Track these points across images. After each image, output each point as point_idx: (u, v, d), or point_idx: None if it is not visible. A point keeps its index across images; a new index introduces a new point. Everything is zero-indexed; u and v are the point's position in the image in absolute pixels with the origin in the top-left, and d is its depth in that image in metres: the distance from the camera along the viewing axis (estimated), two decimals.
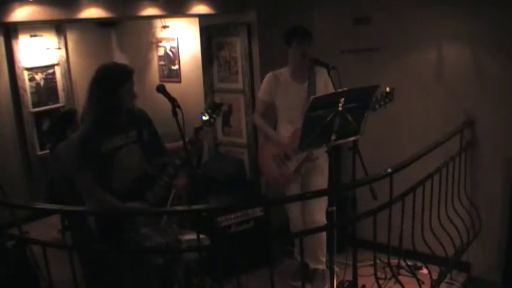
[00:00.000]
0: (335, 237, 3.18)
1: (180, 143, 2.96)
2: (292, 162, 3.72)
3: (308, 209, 3.80)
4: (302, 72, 3.72)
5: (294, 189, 3.81)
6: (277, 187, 3.92)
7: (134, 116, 3.04)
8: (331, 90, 3.32)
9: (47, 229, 4.97)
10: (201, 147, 3.58)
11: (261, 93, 3.86)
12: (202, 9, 4.30)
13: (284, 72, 3.80)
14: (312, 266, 3.93)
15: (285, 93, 3.76)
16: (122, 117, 2.96)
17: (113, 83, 2.87)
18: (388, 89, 3.26)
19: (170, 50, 5.82)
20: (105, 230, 2.92)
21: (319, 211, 3.72)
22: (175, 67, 5.80)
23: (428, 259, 3.55)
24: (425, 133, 4.04)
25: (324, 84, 3.64)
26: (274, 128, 3.89)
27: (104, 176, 2.90)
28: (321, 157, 3.71)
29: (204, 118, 2.99)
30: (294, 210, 3.89)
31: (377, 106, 3.23)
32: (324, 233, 3.81)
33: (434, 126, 4.04)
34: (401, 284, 3.17)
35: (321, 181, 3.79)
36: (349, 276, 3.37)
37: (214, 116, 3.00)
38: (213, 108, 3.02)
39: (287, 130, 3.75)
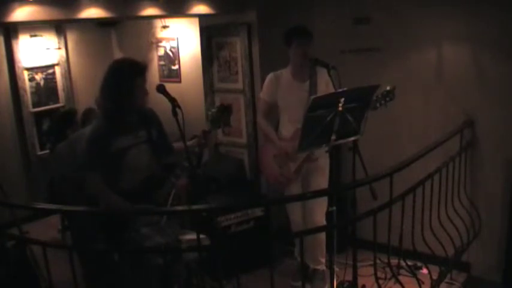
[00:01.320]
0: (335, 238, 3.18)
1: (181, 144, 2.97)
2: (292, 162, 3.72)
3: (308, 210, 3.80)
4: (303, 72, 3.73)
5: (295, 189, 3.81)
6: (278, 187, 3.92)
7: (144, 115, 3.04)
8: (332, 90, 3.32)
9: (47, 229, 4.97)
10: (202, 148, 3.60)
11: (263, 93, 3.87)
12: (202, 9, 4.30)
13: (285, 72, 3.80)
14: (312, 266, 3.93)
15: (286, 93, 3.76)
16: (133, 116, 2.96)
17: (125, 77, 2.86)
18: (388, 88, 3.26)
19: (170, 50, 5.82)
20: (110, 229, 2.92)
21: (319, 212, 3.72)
22: (175, 67, 5.80)
23: (428, 259, 3.55)
24: (425, 133, 4.04)
25: (325, 84, 3.64)
26: (276, 127, 3.89)
27: (112, 176, 2.89)
28: (322, 157, 3.71)
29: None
30: (294, 211, 3.89)
31: (378, 105, 3.23)
32: (323, 234, 3.81)
33: (434, 126, 4.04)
34: (401, 284, 3.17)
35: (321, 181, 3.79)
36: (349, 276, 3.37)
37: (223, 118, 3.03)
38: (222, 110, 3.04)
39: (288, 130, 3.75)
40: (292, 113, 3.72)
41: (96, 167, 2.87)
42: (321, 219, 3.71)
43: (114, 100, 2.87)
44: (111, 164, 2.89)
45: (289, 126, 3.74)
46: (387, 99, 3.25)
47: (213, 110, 3.08)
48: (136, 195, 2.89)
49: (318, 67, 3.59)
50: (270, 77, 3.83)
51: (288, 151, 3.67)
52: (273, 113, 3.90)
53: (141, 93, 2.91)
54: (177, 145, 3.18)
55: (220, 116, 3.04)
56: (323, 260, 3.92)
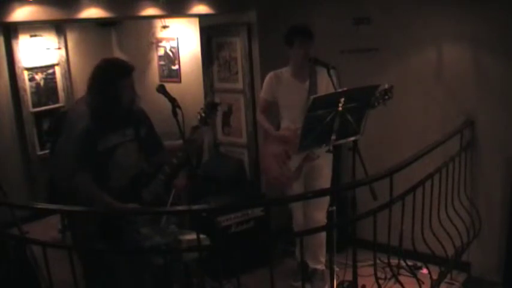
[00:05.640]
0: (335, 237, 3.18)
1: (177, 142, 2.97)
2: (293, 161, 3.72)
3: (309, 208, 3.80)
4: (303, 71, 3.73)
5: (297, 188, 3.81)
6: (278, 187, 3.92)
7: (132, 113, 3.04)
8: (333, 90, 3.32)
9: (47, 229, 4.96)
10: (200, 146, 3.58)
11: (263, 92, 3.87)
12: (202, 9, 4.30)
13: (285, 71, 3.80)
14: (312, 265, 3.93)
15: (287, 92, 3.76)
16: (120, 114, 2.96)
17: (112, 76, 2.87)
18: (387, 86, 3.26)
19: (170, 50, 5.82)
20: (105, 230, 2.92)
21: (320, 210, 3.72)
22: (175, 67, 5.80)
23: (428, 259, 3.55)
24: (425, 133, 4.03)
25: (326, 84, 3.64)
26: (278, 126, 3.90)
27: (101, 175, 2.90)
28: (323, 156, 3.70)
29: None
30: (296, 209, 3.90)
31: (376, 104, 3.23)
32: (324, 233, 3.81)
33: (434, 126, 4.04)
34: (401, 284, 3.17)
35: (323, 181, 3.78)
36: (349, 276, 3.37)
37: (210, 115, 3.02)
38: (209, 107, 3.03)
39: (289, 129, 3.75)
40: (292, 112, 3.72)
41: (85, 167, 2.88)
42: (322, 217, 3.72)
43: (100, 100, 2.88)
44: (99, 163, 2.89)
45: (290, 125, 3.74)
46: (386, 97, 3.25)
47: (202, 107, 3.07)
48: (124, 194, 2.89)
49: (318, 67, 3.59)
50: (270, 76, 3.83)
51: (287, 136, 3.65)
52: (272, 111, 3.90)
53: (126, 94, 2.91)
54: (169, 144, 3.18)
55: (207, 112, 3.03)
56: (323, 260, 3.92)
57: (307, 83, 3.72)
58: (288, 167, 3.73)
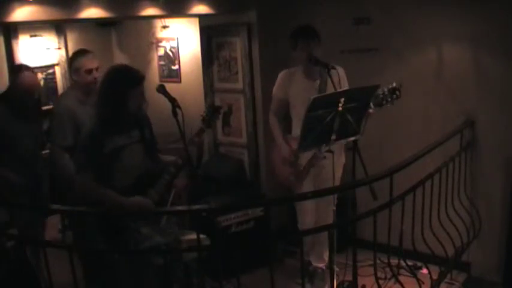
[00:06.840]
0: (335, 237, 3.18)
1: (170, 158, 2.99)
2: (301, 161, 3.70)
3: (320, 207, 3.77)
4: (313, 71, 3.71)
5: (308, 190, 3.79)
6: (290, 188, 3.89)
7: (137, 115, 3.04)
8: (346, 87, 3.30)
9: (47, 229, 4.96)
10: (200, 147, 3.59)
11: (276, 90, 3.86)
12: (202, 9, 4.30)
13: (298, 69, 3.80)
14: (315, 263, 3.92)
15: (298, 90, 3.75)
16: (126, 120, 2.97)
17: (123, 86, 2.87)
18: (394, 84, 3.25)
19: (170, 50, 5.82)
20: (107, 229, 2.92)
21: (330, 208, 3.70)
22: (175, 67, 5.79)
23: (428, 259, 3.55)
24: (425, 133, 4.04)
25: (337, 83, 3.62)
26: (287, 125, 3.89)
27: (106, 176, 2.90)
28: (334, 157, 3.67)
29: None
30: (305, 210, 3.85)
31: (384, 102, 3.22)
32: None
33: (434, 126, 4.04)
34: (401, 284, 3.17)
35: (333, 181, 3.75)
36: (349, 276, 3.37)
37: (213, 118, 3.04)
38: (211, 110, 3.05)
39: (299, 126, 3.74)
40: (302, 111, 3.70)
41: (87, 167, 2.88)
42: (330, 216, 3.70)
43: (108, 106, 2.89)
44: (105, 165, 2.89)
45: (300, 123, 3.73)
46: (394, 96, 3.24)
47: (205, 110, 3.10)
48: (129, 194, 2.90)
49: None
50: (282, 74, 3.83)
51: (287, 156, 3.66)
52: (284, 110, 3.90)
53: (136, 101, 2.91)
54: (165, 158, 3.20)
55: (210, 115, 3.05)
56: (326, 258, 3.92)
57: (318, 82, 3.72)
58: (298, 166, 3.72)
